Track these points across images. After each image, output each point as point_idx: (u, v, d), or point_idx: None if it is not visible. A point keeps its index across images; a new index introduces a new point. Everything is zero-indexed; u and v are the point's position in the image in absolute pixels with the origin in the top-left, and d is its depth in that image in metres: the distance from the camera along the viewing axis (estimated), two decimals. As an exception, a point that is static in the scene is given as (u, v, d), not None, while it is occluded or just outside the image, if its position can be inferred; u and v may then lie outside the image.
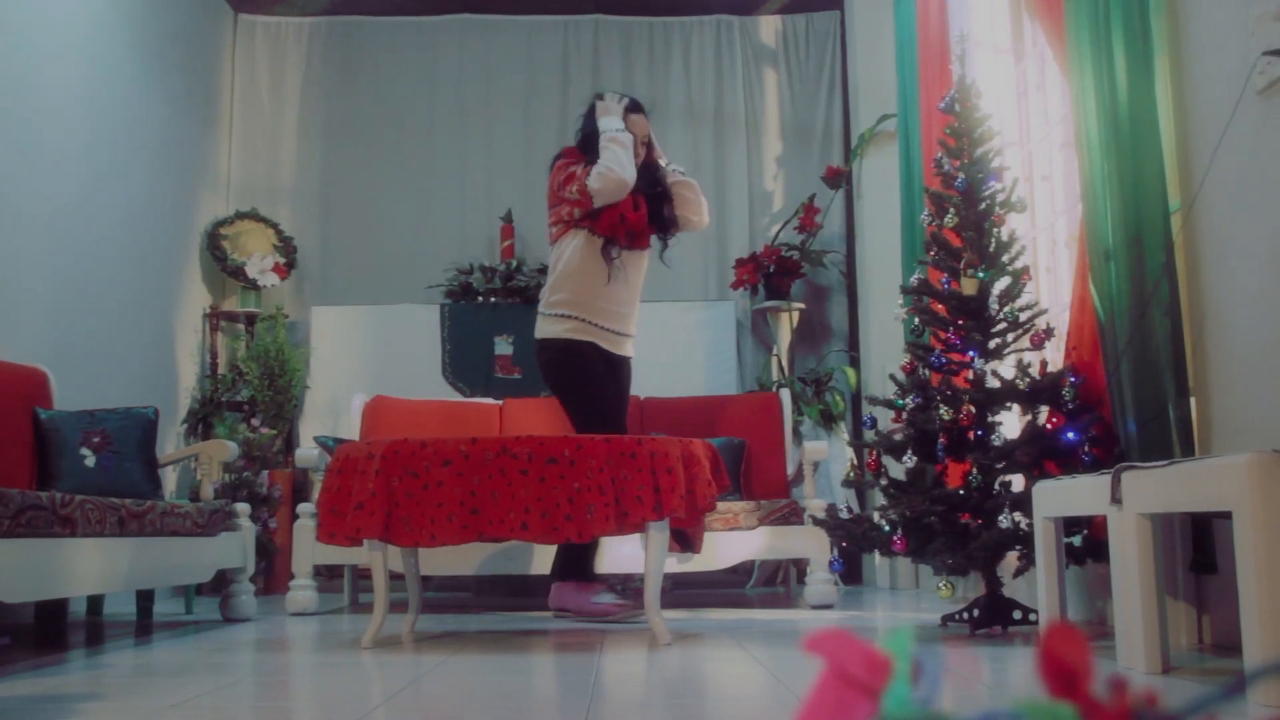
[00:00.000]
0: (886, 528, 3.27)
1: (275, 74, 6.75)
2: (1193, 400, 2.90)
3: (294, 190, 6.66)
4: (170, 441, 5.64)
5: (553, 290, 4.09)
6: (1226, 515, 2.41)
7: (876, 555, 5.60)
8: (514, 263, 6.41)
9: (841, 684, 0.44)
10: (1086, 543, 3.06)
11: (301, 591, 4.40)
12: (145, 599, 4.33)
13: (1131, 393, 2.98)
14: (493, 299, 6.32)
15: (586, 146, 4.10)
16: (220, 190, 6.52)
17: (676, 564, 4.28)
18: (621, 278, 4.09)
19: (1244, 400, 2.72)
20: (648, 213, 4.11)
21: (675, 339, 6.29)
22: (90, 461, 3.99)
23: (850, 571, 5.77)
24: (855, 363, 6.28)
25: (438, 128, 6.75)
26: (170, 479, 5.53)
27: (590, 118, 4.18)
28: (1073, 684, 0.41)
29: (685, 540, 4.20)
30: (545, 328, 4.09)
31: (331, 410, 5.98)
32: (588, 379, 4.04)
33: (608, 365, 4.10)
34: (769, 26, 6.92)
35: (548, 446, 3.14)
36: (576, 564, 4.06)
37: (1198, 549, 2.79)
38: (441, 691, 2.26)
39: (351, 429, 5.42)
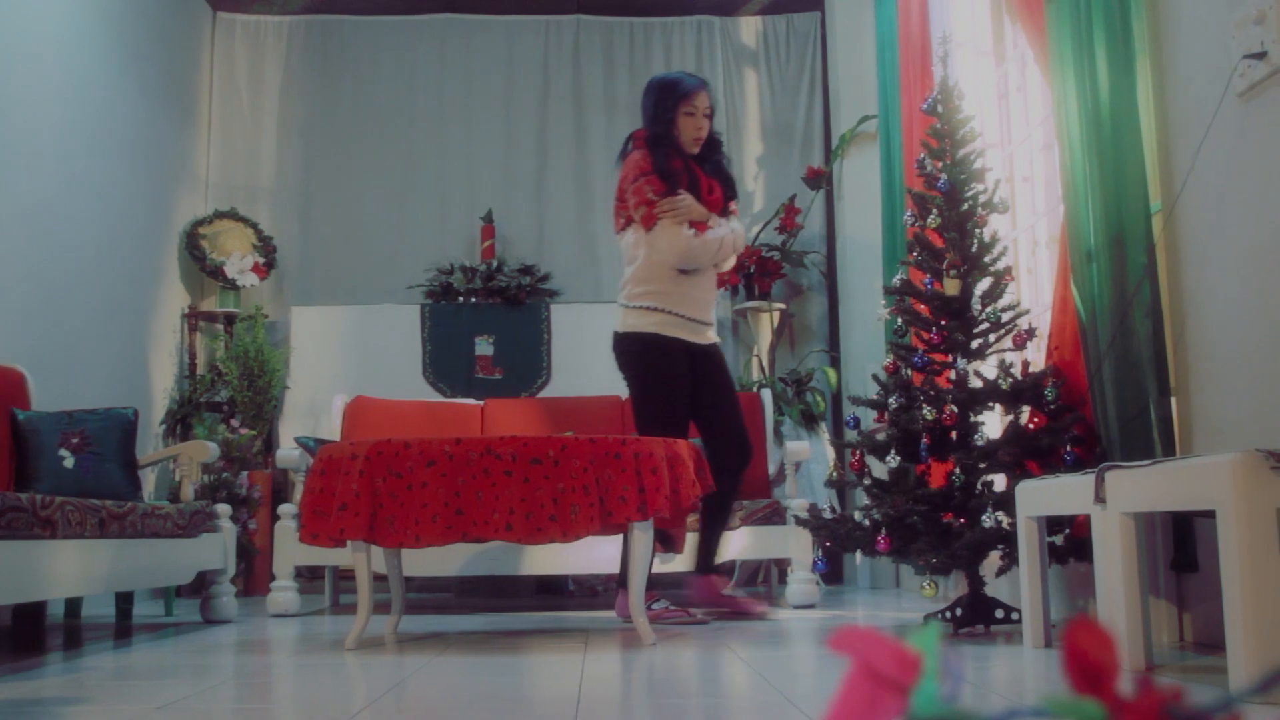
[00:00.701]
0: (870, 527, 3.28)
1: (254, 73, 6.72)
2: (1173, 400, 2.92)
3: (273, 190, 6.62)
4: (148, 443, 5.60)
5: (635, 282, 3.95)
6: (1208, 514, 2.44)
7: (858, 555, 5.64)
8: (494, 263, 6.40)
9: (871, 681, 0.44)
10: (1068, 542, 3.08)
11: (283, 593, 4.38)
12: (125, 601, 4.30)
13: (1113, 392, 3.00)
14: (473, 299, 6.31)
15: (657, 144, 3.94)
16: (199, 189, 6.48)
17: (659, 564, 4.28)
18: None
19: (1224, 400, 2.75)
20: (721, 199, 4.01)
21: (656, 339, 6.28)
22: (69, 463, 3.96)
23: (831, 571, 5.78)
24: (836, 363, 6.30)
25: (418, 127, 6.73)
26: (148, 480, 5.49)
27: (658, 105, 3.97)
28: (1098, 681, 0.41)
29: (667, 540, 4.20)
30: (628, 320, 3.96)
31: (311, 411, 5.95)
32: (668, 378, 3.92)
33: (692, 360, 3.98)
34: (749, 27, 6.93)
35: (532, 447, 3.13)
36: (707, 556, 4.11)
37: (1178, 548, 2.81)
38: (428, 693, 2.25)
39: (332, 430, 5.40)
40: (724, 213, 4.01)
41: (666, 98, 3.96)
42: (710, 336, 4.08)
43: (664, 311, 3.92)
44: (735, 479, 4.03)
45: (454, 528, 3.10)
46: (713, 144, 4.06)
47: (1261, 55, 2.55)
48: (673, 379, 3.93)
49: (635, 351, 3.96)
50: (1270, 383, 2.55)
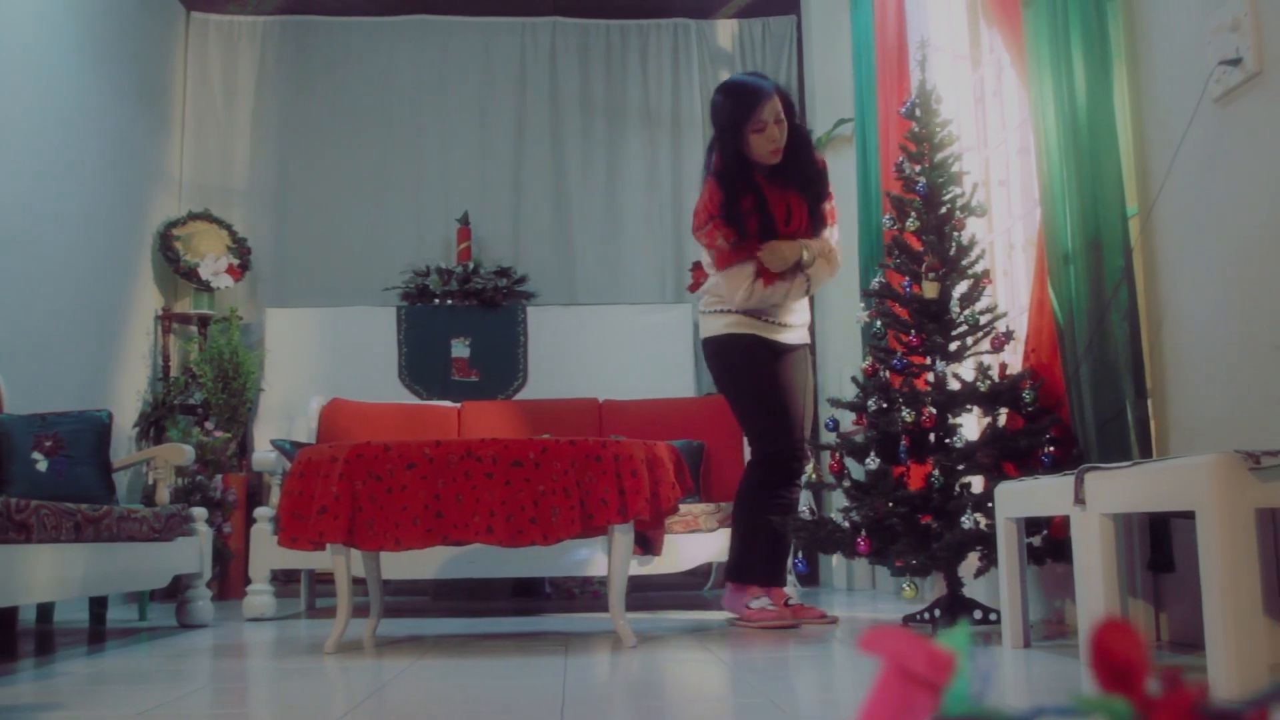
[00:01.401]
0: (850, 529, 3.29)
1: (228, 73, 6.68)
2: (1150, 402, 2.94)
3: (248, 191, 6.58)
4: (121, 446, 5.55)
5: (712, 291, 3.89)
6: (1185, 515, 2.46)
7: (834, 557, 5.66)
8: (471, 265, 6.39)
9: (904, 681, 0.44)
10: (1046, 543, 3.10)
11: (259, 596, 4.35)
12: (98, 606, 4.26)
13: (1090, 395, 3.02)
14: (449, 301, 6.30)
15: (726, 175, 3.74)
16: (172, 190, 6.43)
17: (637, 566, 4.28)
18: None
19: (1201, 402, 2.77)
20: (807, 214, 3.82)
21: (631, 342, 6.30)
22: (42, 466, 3.91)
23: (808, 573, 5.80)
24: (812, 366, 6.31)
25: (394, 128, 6.71)
26: (120, 484, 5.44)
27: (724, 131, 3.74)
28: (1126, 679, 0.42)
29: (646, 543, 4.20)
30: (706, 326, 3.92)
31: (286, 413, 5.92)
32: (749, 374, 3.83)
33: (775, 355, 3.86)
34: (725, 30, 6.95)
35: (512, 449, 3.13)
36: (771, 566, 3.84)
37: (1155, 548, 2.84)
38: (411, 697, 2.24)
39: (308, 432, 5.37)
40: (814, 224, 3.83)
41: (730, 123, 3.72)
42: (794, 337, 3.93)
43: (733, 312, 3.84)
44: (776, 491, 3.80)
45: (434, 530, 3.09)
46: (798, 144, 3.79)
47: (1237, 61, 2.58)
48: (753, 375, 3.82)
49: (714, 354, 3.91)
50: (1245, 385, 2.58)
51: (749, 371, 3.83)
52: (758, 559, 3.80)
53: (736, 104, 3.72)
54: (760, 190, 3.75)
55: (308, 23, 6.76)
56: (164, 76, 6.37)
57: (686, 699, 2.25)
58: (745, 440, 5.29)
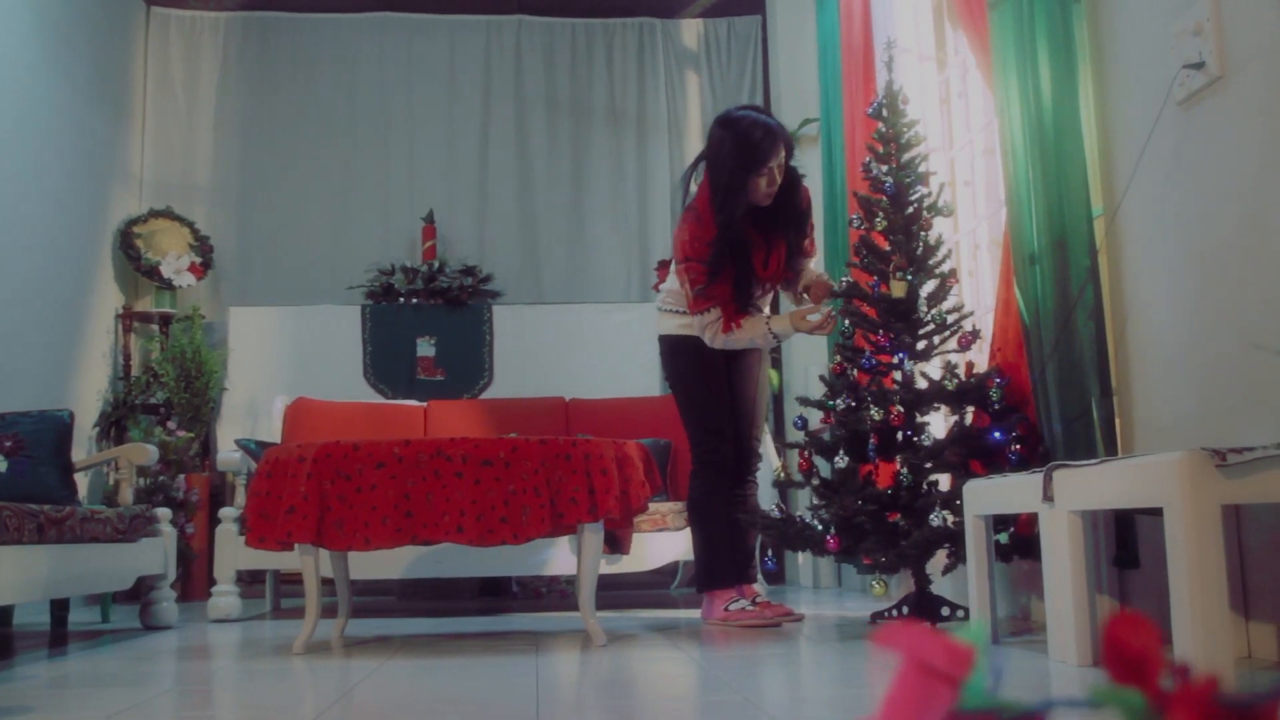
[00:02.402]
0: (820, 527, 3.31)
1: (190, 69, 6.60)
2: (1115, 400, 2.98)
3: (210, 188, 6.52)
4: (80, 446, 5.48)
5: (669, 289, 3.91)
6: (1149, 512, 2.50)
7: (799, 555, 5.69)
8: (436, 264, 6.36)
9: (924, 675, 0.45)
10: (1013, 540, 3.14)
11: (224, 597, 4.32)
12: (60, 608, 4.20)
13: (1056, 393, 3.06)
14: (414, 300, 6.27)
15: (717, 257, 3.60)
16: (132, 187, 6.35)
17: (605, 565, 4.28)
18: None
19: (1164, 400, 2.82)
20: (785, 254, 3.74)
21: (597, 340, 6.30)
22: (2, 466, 3.86)
23: (774, 571, 5.83)
24: (777, 364, 6.34)
25: (358, 126, 6.67)
26: (80, 484, 5.37)
27: (732, 173, 3.55)
28: (1141, 672, 0.42)
29: (614, 541, 4.20)
30: (660, 325, 3.94)
31: (250, 413, 5.87)
32: (695, 378, 3.83)
33: (727, 357, 3.84)
34: (690, 30, 6.97)
35: (483, 448, 3.12)
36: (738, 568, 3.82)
37: (1120, 544, 2.88)
38: (385, 697, 2.23)
39: (272, 432, 5.33)
40: (792, 263, 3.77)
41: (739, 166, 3.53)
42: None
43: (688, 313, 3.81)
44: (729, 492, 3.83)
45: (404, 530, 3.08)
46: (789, 184, 3.66)
47: (1200, 66, 2.62)
48: (700, 377, 3.82)
49: (666, 353, 3.94)
50: (1209, 383, 2.62)
51: (695, 376, 3.84)
52: (724, 564, 3.80)
53: (754, 148, 3.51)
54: (743, 234, 3.63)
55: (271, 19, 6.71)
56: (124, 72, 6.30)
57: (661, 697, 2.26)
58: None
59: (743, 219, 3.61)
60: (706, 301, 3.65)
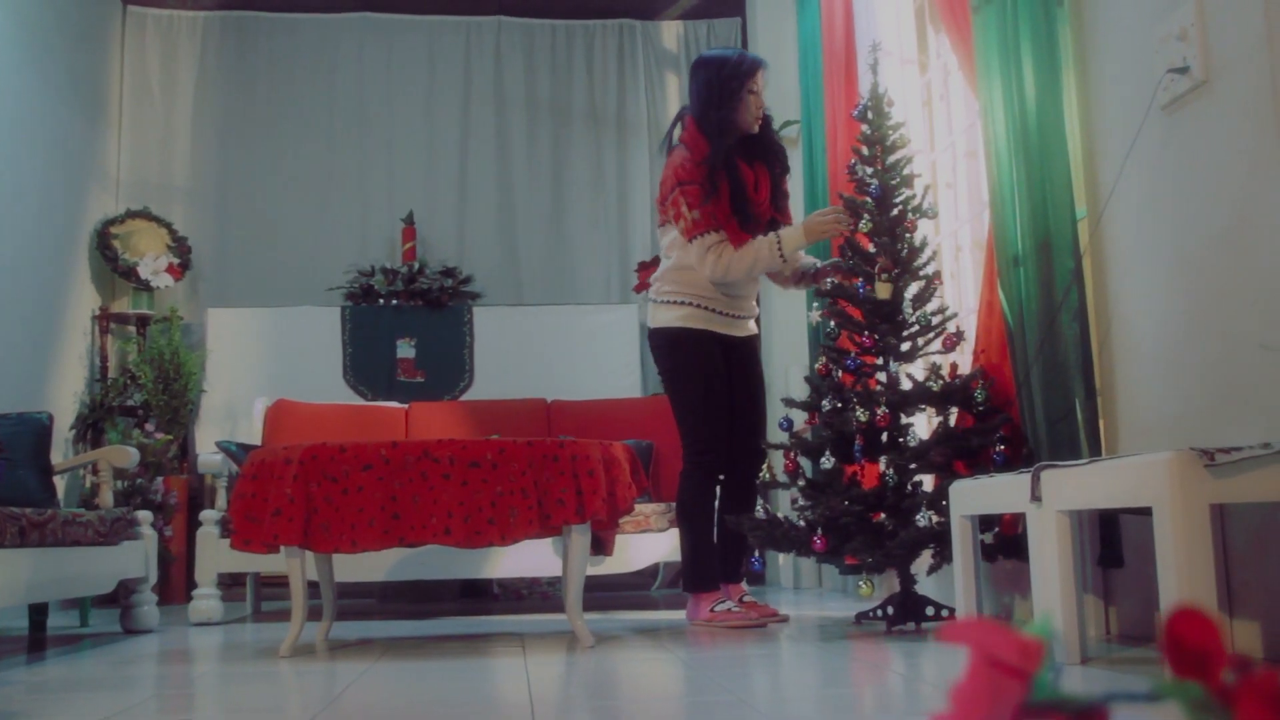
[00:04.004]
0: (806, 528, 3.32)
1: (167, 68, 6.56)
2: (1099, 401, 3.01)
3: (188, 189, 6.47)
4: (56, 449, 5.43)
5: (664, 279, 3.83)
6: (1135, 511, 2.52)
7: (780, 555, 5.70)
8: (416, 265, 6.34)
9: (993, 670, 0.45)
10: (998, 540, 3.16)
11: (205, 601, 4.29)
12: (38, 612, 4.16)
13: (1041, 394, 3.08)
14: (394, 301, 6.25)
15: (711, 172, 3.68)
16: (109, 188, 6.30)
17: (589, 566, 4.28)
18: None
19: (1148, 400, 2.84)
20: (770, 186, 3.80)
21: (578, 342, 6.30)
22: (-20, 469, 3.82)
23: (751, 573, 5.84)
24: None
25: (337, 126, 6.64)
26: (56, 487, 5.32)
27: (723, 86, 3.71)
28: (1203, 666, 0.43)
29: (597, 543, 4.20)
30: (657, 316, 3.84)
31: (229, 415, 5.83)
32: (695, 375, 3.76)
33: (725, 352, 3.83)
34: (671, 31, 6.98)
35: (470, 450, 3.11)
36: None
37: (1105, 544, 2.90)
38: (377, 699, 2.23)
39: (252, 433, 5.30)
40: (776, 197, 3.85)
41: (731, 78, 3.71)
42: (748, 328, 3.93)
43: (691, 305, 3.79)
44: (738, 490, 3.83)
45: (391, 532, 3.07)
46: (765, 120, 3.86)
47: (1184, 70, 2.65)
48: (700, 374, 3.77)
49: (662, 347, 3.84)
50: (1192, 384, 2.65)
51: (696, 373, 3.79)
52: (711, 566, 3.79)
53: (739, 64, 3.75)
54: (733, 159, 3.73)
55: (249, 18, 6.67)
56: (100, 71, 6.25)
57: (654, 697, 2.26)
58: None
59: (728, 165, 3.69)
60: (707, 223, 3.66)
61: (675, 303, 3.82)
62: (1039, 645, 0.46)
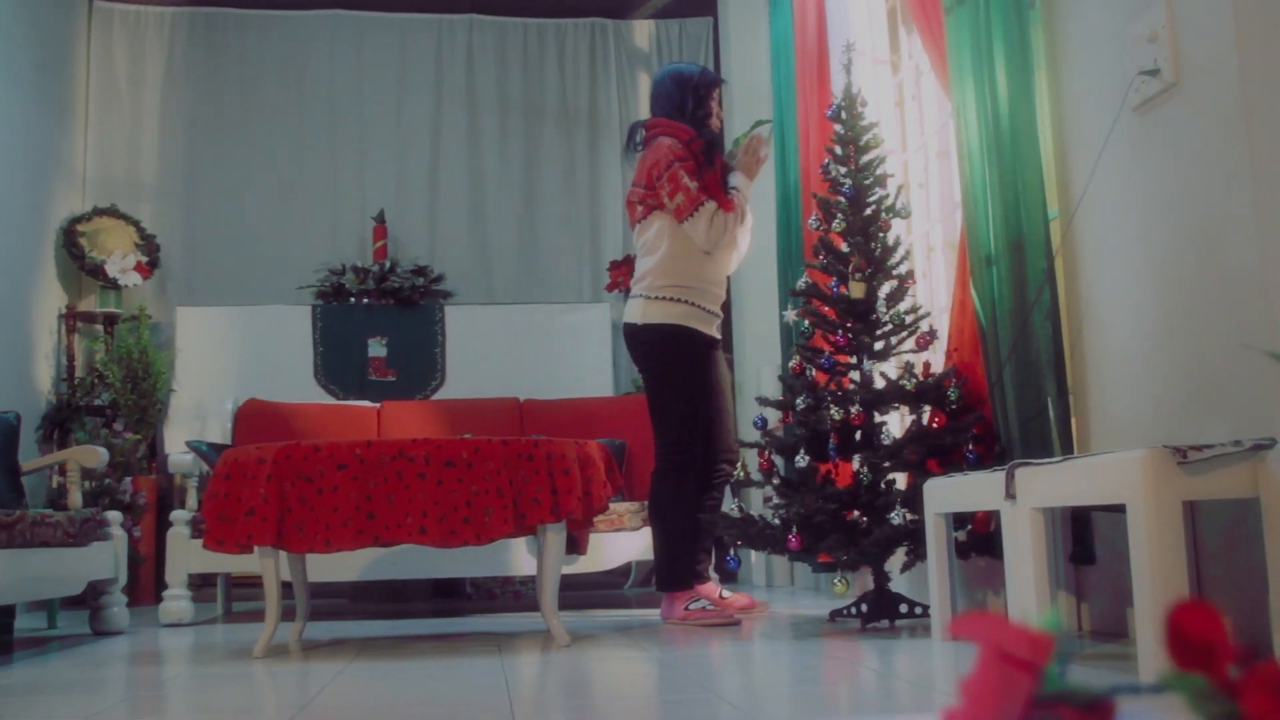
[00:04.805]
0: (781, 526, 3.34)
1: (134, 64, 6.49)
2: (1071, 399, 3.04)
3: (156, 186, 6.41)
4: (24, 448, 5.36)
5: (657, 274, 3.83)
6: (1107, 509, 2.55)
7: (752, 553, 5.72)
8: (387, 263, 6.32)
9: (1004, 663, 0.46)
10: (971, 537, 3.18)
11: (176, 602, 4.25)
12: (5, 614, 4.11)
13: (1014, 393, 3.11)
14: (365, 300, 6.22)
15: (707, 146, 3.94)
16: (76, 185, 6.24)
17: (563, 565, 4.27)
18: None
19: (1120, 399, 2.87)
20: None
21: (549, 341, 6.30)
22: (-54, 470, 3.77)
23: (726, 570, 5.85)
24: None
25: (308, 124, 6.60)
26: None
27: (698, 97, 4.01)
28: (1206, 658, 0.44)
29: (571, 541, 4.19)
30: (649, 312, 3.82)
31: (199, 414, 5.79)
32: (686, 374, 3.82)
33: (709, 353, 3.91)
34: (643, 31, 6.98)
35: (445, 449, 3.10)
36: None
37: (1077, 541, 2.93)
38: (354, 701, 2.22)
39: (222, 433, 5.26)
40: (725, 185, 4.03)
41: (701, 88, 4.01)
42: (719, 330, 4.00)
43: (687, 303, 3.83)
44: (696, 496, 3.86)
45: (365, 532, 3.06)
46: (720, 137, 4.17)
47: (1155, 72, 2.67)
48: (695, 372, 3.83)
49: (655, 343, 3.84)
50: (1162, 382, 2.68)
51: (686, 374, 3.82)
52: (685, 564, 3.81)
53: (706, 75, 4.09)
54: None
55: (218, 14, 6.62)
56: (65, 67, 6.17)
57: (632, 695, 2.27)
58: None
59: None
60: (704, 192, 3.82)
61: (672, 300, 3.83)
62: (1048, 638, 0.47)
